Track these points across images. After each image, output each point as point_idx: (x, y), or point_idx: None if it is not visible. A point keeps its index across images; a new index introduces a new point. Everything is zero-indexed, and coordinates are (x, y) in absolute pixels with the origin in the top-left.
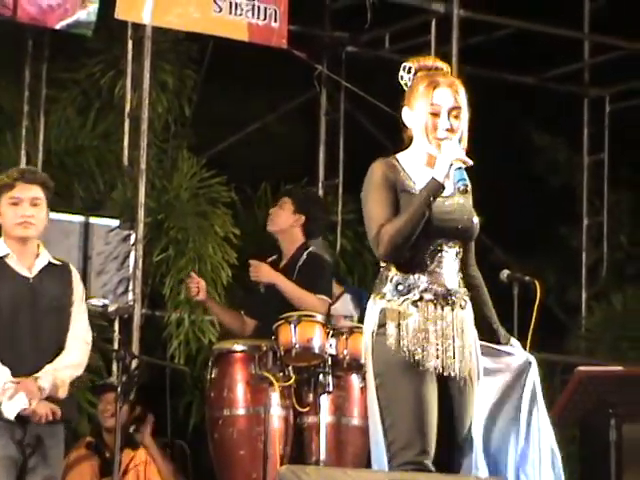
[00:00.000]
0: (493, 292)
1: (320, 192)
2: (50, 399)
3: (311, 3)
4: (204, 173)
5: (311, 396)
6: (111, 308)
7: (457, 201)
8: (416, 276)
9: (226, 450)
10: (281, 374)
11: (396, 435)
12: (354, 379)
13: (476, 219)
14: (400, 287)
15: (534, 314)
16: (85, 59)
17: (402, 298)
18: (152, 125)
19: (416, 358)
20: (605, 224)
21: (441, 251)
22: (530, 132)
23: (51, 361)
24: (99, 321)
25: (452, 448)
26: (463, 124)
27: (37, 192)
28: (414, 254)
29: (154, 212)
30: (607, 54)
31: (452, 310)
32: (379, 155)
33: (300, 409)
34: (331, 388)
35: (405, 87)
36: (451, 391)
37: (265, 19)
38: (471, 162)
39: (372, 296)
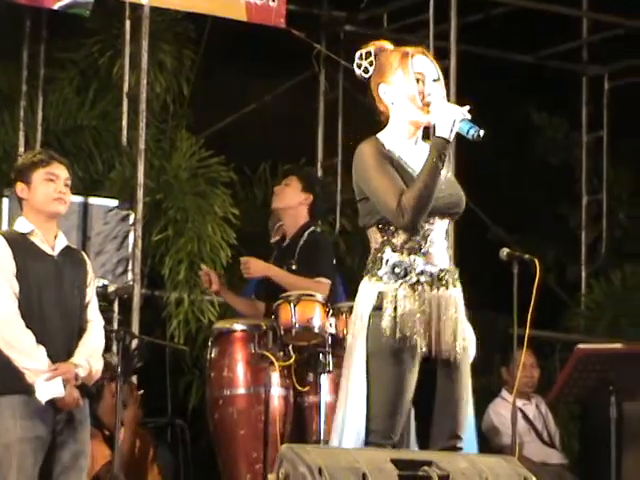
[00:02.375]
0: (493, 270)
1: (319, 172)
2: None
3: None
4: (203, 153)
5: (311, 375)
6: (110, 288)
7: (446, 176)
8: (412, 258)
9: (226, 430)
10: (281, 353)
11: (376, 413)
12: None
13: (461, 192)
14: (397, 270)
15: (534, 292)
16: (83, 39)
17: (399, 281)
18: (150, 105)
19: (411, 342)
20: (604, 202)
21: (432, 231)
22: (529, 111)
23: (76, 341)
24: (99, 301)
25: (455, 431)
26: (442, 90)
27: (68, 173)
28: (408, 236)
29: (153, 192)
30: (605, 32)
31: (446, 289)
32: (376, 134)
33: (300, 388)
34: (331, 367)
35: (364, 73)
36: (448, 372)
37: None
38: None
39: (366, 277)
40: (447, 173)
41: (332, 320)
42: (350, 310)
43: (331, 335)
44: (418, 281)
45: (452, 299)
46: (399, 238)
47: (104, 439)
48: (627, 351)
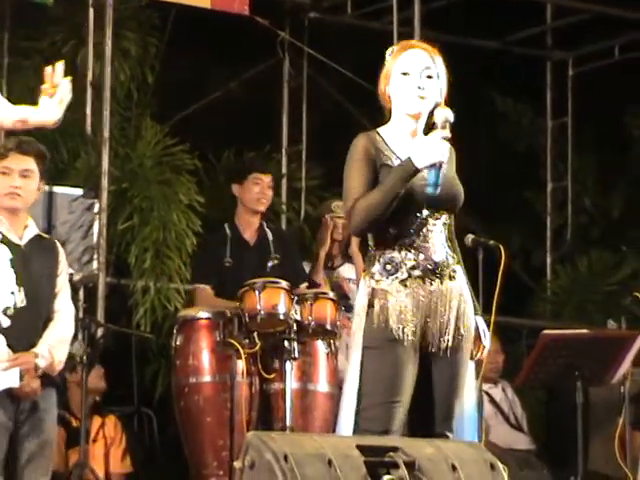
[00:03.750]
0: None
1: (283, 158)
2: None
3: None
4: (168, 141)
5: (277, 362)
6: (76, 277)
7: (444, 172)
8: (403, 253)
9: (192, 417)
10: (246, 341)
11: (366, 405)
12: (319, 345)
13: (460, 187)
14: (388, 267)
15: (499, 278)
16: (47, 27)
17: (390, 277)
18: (115, 93)
19: (402, 337)
20: (569, 188)
21: (426, 224)
22: (493, 96)
23: (42, 331)
24: None
25: (447, 420)
26: (439, 89)
27: (29, 164)
28: (399, 231)
29: (118, 180)
30: (569, 17)
31: (441, 283)
32: (342, 120)
33: (266, 375)
34: (297, 354)
35: None
36: (441, 365)
37: None
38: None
39: (362, 275)
40: (446, 169)
41: (297, 307)
42: (314, 297)
43: (296, 322)
44: (410, 276)
45: (447, 292)
46: (390, 234)
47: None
48: (593, 336)
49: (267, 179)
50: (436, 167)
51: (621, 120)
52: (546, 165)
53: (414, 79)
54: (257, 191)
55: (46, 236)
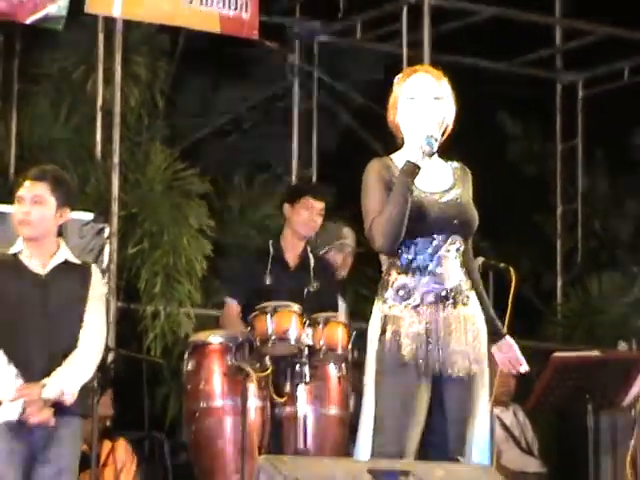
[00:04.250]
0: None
1: (294, 182)
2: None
3: None
4: (177, 165)
5: (288, 386)
6: None
7: (454, 194)
8: (416, 278)
9: (204, 442)
10: (258, 365)
11: (380, 428)
12: (331, 369)
13: (474, 212)
14: (401, 292)
15: (510, 301)
16: (57, 53)
17: (403, 303)
18: (125, 118)
19: (415, 362)
20: (579, 211)
21: (440, 250)
22: (504, 119)
23: (61, 360)
24: None
25: (460, 444)
26: (446, 114)
27: (40, 189)
28: (413, 256)
29: (128, 205)
30: (579, 39)
31: (454, 308)
32: (352, 143)
33: (278, 399)
34: (308, 378)
35: None
36: (454, 390)
37: (236, 10)
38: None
39: (376, 300)
40: (455, 192)
41: (309, 331)
42: (326, 321)
43: (308, 346)
44: (422, 302)
45: (461, 318)
46: (403, 259)
47: None
48: (603, 359)
49: (319, 205)
50: (424, 147)
51: (631, 142)
52: (556, 188)
53: (421, 103)
54: (306, 216)
55: (76, 261)
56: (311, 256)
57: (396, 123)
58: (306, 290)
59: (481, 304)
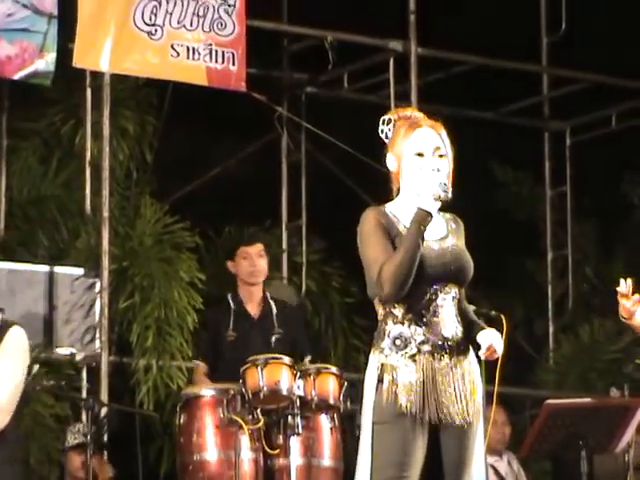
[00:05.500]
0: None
1: (284, 233)
2: None
3: (269, 45)
4: (167, 219)
5: (281, 438)
6: (78, 357)
7: (449, 243)
8: (412, 328)
9: None
10: (250, 417)
11: (378, 479)
12: (323, 420)
13: (470, 259)
14: (397, 342)
15: (501, 348)
16: (45, 108)
17: (400, 353)
18: (114, 172)
19: (411, 412)
20: (570, 257)
21: (436, 299)
22: (492, 166)
23: None
24: (67, 370)
25: None
26: (449, 166)
27: None
28: (409, 306)
29: (118, 259)
30: (566, 87)
31: (450, 359)
32: (341, 194)
33: (270, 451)
34: (300, 429)
35: (386, 139)
36: (451, 440)
37: (223, 63)
38: (449, 194)
39: (372, 350)
40: (450, 241)
41: (300, 382)
42: (317, 372)
43: (299, 397)
44: (419, 351)
45: (457, 367)
46: (400, 309)
47: None
48: (596, 405)
49: (254, 250)
50: (440, 193)
51: (620, 188)
52: (546, 234)
53: (428, 160)
54: (247, 265)
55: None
56: (272, 302)
57: (398, 175)
58: (273, 338)
59: (472, 322)
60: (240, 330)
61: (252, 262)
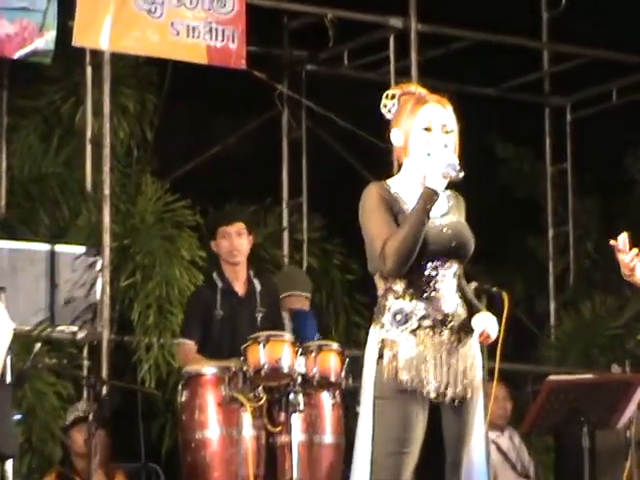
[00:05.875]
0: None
1: (285, 211)
2: None
3: (269, 23)
4: (168, 197)
5: (283, 415)
6: (80, 335)
7: (450, 219)
8: (413, 303)
9: (200, 473)
10: (252, 394)
11: (378, 455)
12: (325, 397)
13: (471, 235)
14: (398, 317)
15: (503, 325)
16: (45, 87)
17: (400, 327)
18: (114, 150)
19: (412, 387)
20: (571, 233)
21: (437, 275)
22: (493, 143)
23: None
24: (69, 348)
25: (455, 469)
26: (456, 144)
27: None
28: (410, 281)
29: (119, 237)
30: (566, 62)
31: (451, 334)
32: (342, 171)
33: (272, 429)
34: (302, 407)
35: (388, 114)
36: (451, 415)
37: (223, 41)
38: (461, 173)
39: (372, 325)
40: (451, 217)
41: (301, 359)
42: (319, 349)
43: (301, 374)
44: (420, 326)
45: (457, 343)
46: (401, 284)
47: None
48: (598, 381)
49: (233, 229)
50: (450, 173)
51: (621, 163)
52: (547, 210)
53: (436, 136)
54: (226, 244)
55: None
56: (255, 281)
57: (403, 150)
58: (259, 316)
59: (469, 303)
60: (227, 308)
61: (231, 242)
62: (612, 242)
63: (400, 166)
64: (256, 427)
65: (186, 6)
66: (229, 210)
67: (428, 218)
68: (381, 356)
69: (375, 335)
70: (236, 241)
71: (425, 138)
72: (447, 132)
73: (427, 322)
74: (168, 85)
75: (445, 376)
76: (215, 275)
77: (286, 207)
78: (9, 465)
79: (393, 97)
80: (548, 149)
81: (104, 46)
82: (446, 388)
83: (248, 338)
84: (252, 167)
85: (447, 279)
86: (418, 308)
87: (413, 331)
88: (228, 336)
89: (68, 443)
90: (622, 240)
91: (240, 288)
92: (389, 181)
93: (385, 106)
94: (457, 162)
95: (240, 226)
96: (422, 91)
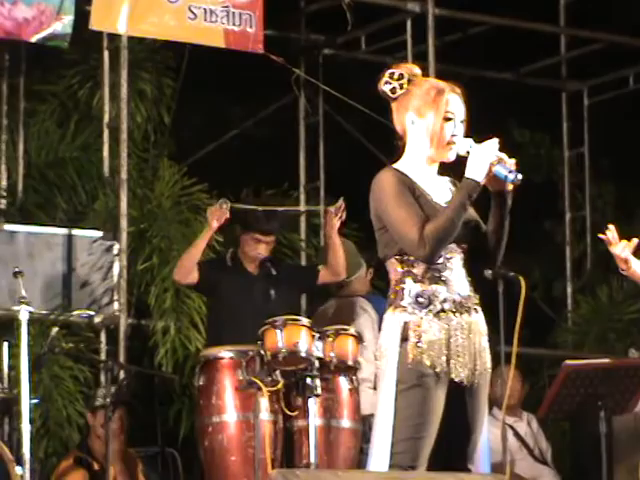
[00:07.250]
0: (478, 289)
1: (302, 195)
2: None
3: (286, 7)
4: (185, 181)
5: (300, 400)
6: (97, 319)
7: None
8: (433, 287)
9: (217, 457)
10: (269, 379)
11: (397, 439)
12: (342, 381)
13: (479, 220)
14: (420, 299)
15: (520, 310)
16: (62, 71)
17: (424, 310)
18: (132, 135)
19: (437, 371)
20: (588, 217)
21: (451, 258)
22: (510, 128)
23: None
24: (86, 332)
25: (471, 452)
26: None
27: None
28: (428, 265)
29: (137, 221)
30: (583, 47)
31: (469, 316)
32: (359, 156)
33: (289, 413)
34: (319, 391)
35: (391, 93)
36: (466, 398)
37: (240, 25)
38: (512, 160)
39: (390, 309)
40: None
41: (318, 343)
42: (336, 333)
43: (318, 358)
44: (442, 309)
45: (475, 325)
46: (420, 268)
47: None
48: (615, 366)
49: (267, 239)
50: (496, 163)
51: (638, 148)
52: (564, 195)
53: (456, 125)
54: (254, 248)
55: None
56: (268, 263)
57: (416, 134)
58: (272, 293)
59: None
60: (239, 285)
61: (259, 249)
62: (601, 236)
63: (403, 146)
64: (273, 411)
65: None
66: (269, 213)
67: (466, 209)
68: (405, 339)
69: (395, 319)
70: (264, 250)
71: (448, 129)
72: (461, 122)
73: (447, 305)
74: (185, 69)
75: (462, 359)
76: (228, 257)
77: (303, 191)
78: (26, 449)
79: (400, 77)
80: (565, 134)
81: (121, 30)
82: (463, 371)
83: (266, 322)
84: (269, 151)
85: (458, 263)
86: (439, 291)
87: (437, 313)
88: (241, 314)
89: (93, 423)
90: (611, 233)
91: (252, 269)
92: (397, 166)
93: (388, 84)
94: (513, 163)
95: (272, 239)
96: (418, 70)
